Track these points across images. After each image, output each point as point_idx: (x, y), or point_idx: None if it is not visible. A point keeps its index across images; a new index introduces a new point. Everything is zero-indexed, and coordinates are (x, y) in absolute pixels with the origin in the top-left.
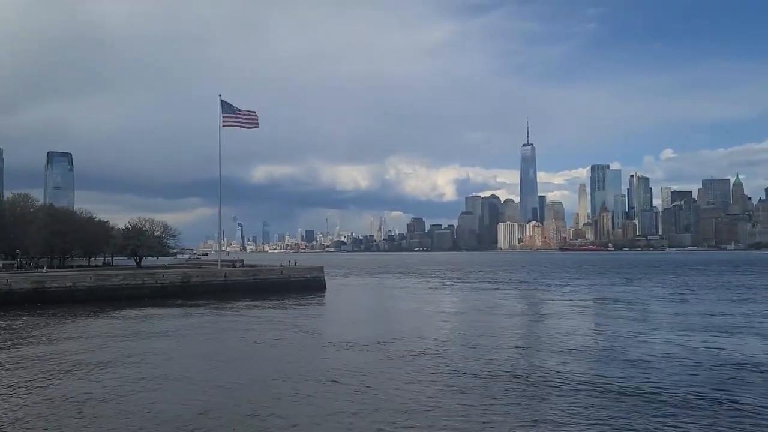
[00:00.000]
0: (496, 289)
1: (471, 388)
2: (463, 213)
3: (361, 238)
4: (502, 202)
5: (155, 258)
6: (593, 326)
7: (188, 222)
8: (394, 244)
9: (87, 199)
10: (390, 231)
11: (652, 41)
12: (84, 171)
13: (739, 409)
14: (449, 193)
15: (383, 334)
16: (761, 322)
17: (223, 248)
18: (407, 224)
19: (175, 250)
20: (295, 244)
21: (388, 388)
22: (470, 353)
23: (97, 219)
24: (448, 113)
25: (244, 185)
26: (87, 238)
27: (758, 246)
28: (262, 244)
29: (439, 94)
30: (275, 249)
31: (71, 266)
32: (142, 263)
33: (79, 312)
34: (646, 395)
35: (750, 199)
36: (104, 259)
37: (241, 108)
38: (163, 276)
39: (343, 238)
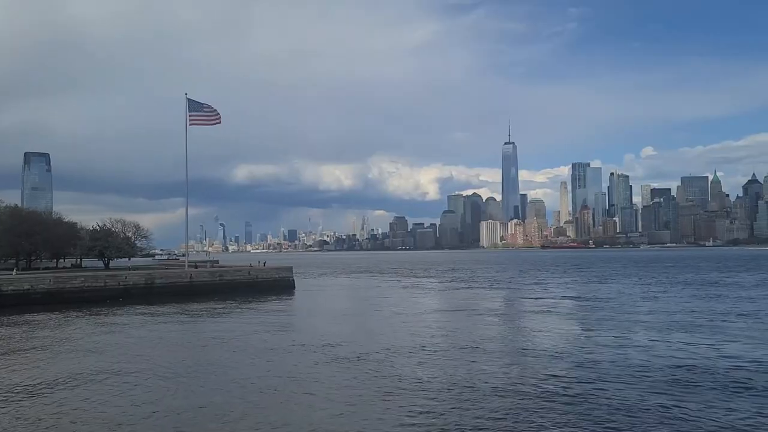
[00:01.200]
0: (467, 288)
1: (398, 393)
2: (445, 212)
3: (344, 237)
4: (484, 200)
5: (127, 259)
6: (551, 326)
7: (171, 222)
8: (377, 243)
9: (66, 199)
10: (373, 230)
11: (632, 40)
12: (63, 172)
13: (678, 414)
14: (432, 192)
15: (335, 336)
16: (725, 321)
17: (204, 249)
18: (390, 223)
19: (155, 251)
20: (278, 244)
21: (313, 396)
22: (416, 356)
23: (66, 220)
24: (430, 112)
25: (226, 185)
26: (53, 239)
27: (736, 242)
28: (245, 244)
29: (421, 94)
30: (258, 249)
31: (38, 268)
32: (113, 264)
33: (33, 317)
34: (583, 398)
35: (728, 195)
36: (75, 261)
37: (208, 104)
38: (125, 278)
39: (326, 238)
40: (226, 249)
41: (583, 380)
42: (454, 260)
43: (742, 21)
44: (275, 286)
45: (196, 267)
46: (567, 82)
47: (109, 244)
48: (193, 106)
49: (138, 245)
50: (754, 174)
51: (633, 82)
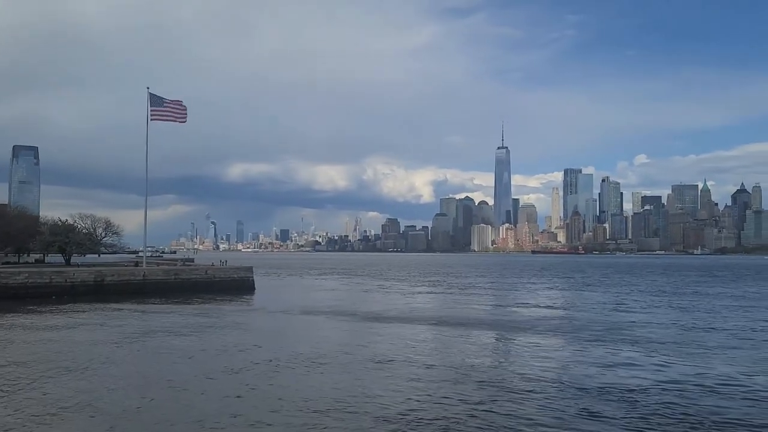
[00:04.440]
0: (429, 292)
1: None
2: (437, 214)
3: (336, 238)
4: (476, 204)
5: (97, 255)
6: (486, 340)
7: (161, 219)
8: (368, 244)
9: (55, 194)
10: (365, 231)
11: (628, 49)
12: (53, 166)
13: None
14: (426, 195)
15: (251, 343)
16: (685, 336)
17: (195, 247)
18: (382, 225)
19: (139, 249)
20: (269, 243)
21: (168, 411)
22: (308, 368)
23: (50, 215)
24: (427, 115)
25: (220, 183)
26: (14, 233)
27: (723, 251)
28: (236, 243)
29: (418, 96)
30: (248, 248)
31: None
32: (78, 260)
33: None
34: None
35: (717, 204)
36: (39, 256)
37: (170, 99)
38: (73, 275)
39: (318, 238)
40: (217, 247)
41: (474, 400)
42: (441, 264)
43: (735, 32)
44: (233, 286)
45: (157, 265)
46: (563, 89)
47: (69, 239)
48: (155, 100)
49: (108, 242)
50: (742, 183)
51: (628, 90)
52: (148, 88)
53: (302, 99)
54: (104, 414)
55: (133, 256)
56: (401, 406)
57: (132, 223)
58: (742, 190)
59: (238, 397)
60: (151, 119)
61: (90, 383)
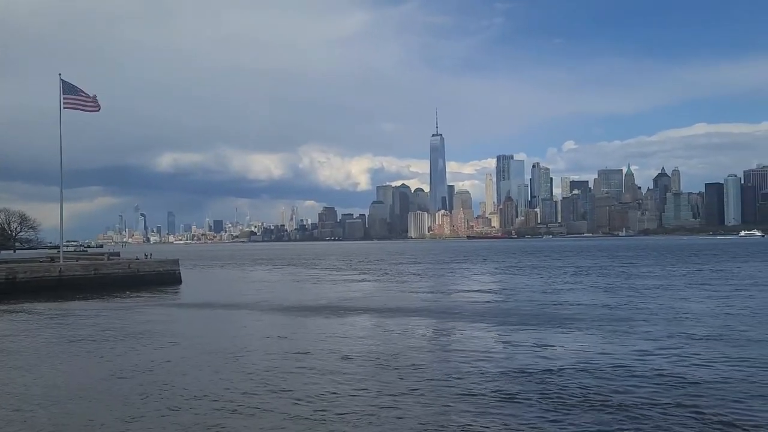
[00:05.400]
0: (363, 281)
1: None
2: (374, 202)
3: (272, 228)
4: (412, 191)
5: (12, 251)
6: (413, 327)
7: (87, 212)
8: (305, 233)
9: None
10: (302, 220)
11: (555, 36)
12: None
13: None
14: (363, 183)
15: (169, 340)
16: (611, 314)
17: (124, 240)
18: (319, 213)
19: (57, 243)
20: (202, 235)
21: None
22: (223, 364)
23: None
24: (361, 103)
25: (149, 173)
26: None
27: (646, 232)
28: (168, 235)
29: (352, 84)
30: (181, 240)
31: None
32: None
33: None
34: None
35: (640, 188)
36: None
37: (86, 91)
38: None
39: (253, 229)
40: (148, 240)
41: (394, 390)
42: (377, 251)
43: (657, 20)
44: (158, 280)
45: (77, 260)
46: (495, 76)
47: None
48: (68, 88)
49: (24, 236)
50: (663, 168)
51: (556, 77)
52: (60, 74)
53: (235, 87)
54: None
55: (55, 251)
56: (316, 401)
57: (53, 216)
58: (662, 174)
59: (144, 396)
60: (64, 107)
61: None
